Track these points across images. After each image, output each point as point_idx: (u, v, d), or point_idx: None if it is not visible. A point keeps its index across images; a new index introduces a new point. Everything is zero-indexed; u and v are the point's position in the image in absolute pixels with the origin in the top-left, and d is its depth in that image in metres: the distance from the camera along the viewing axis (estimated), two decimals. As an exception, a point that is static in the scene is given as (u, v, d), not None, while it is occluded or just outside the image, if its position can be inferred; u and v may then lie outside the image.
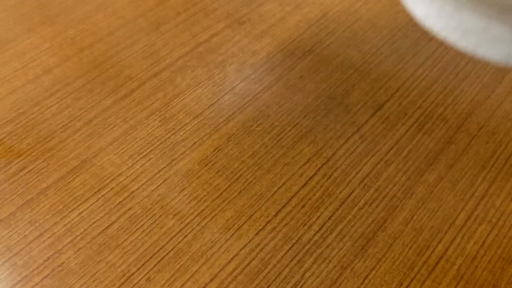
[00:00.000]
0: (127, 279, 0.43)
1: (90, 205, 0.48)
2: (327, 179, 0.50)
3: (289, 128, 0.54)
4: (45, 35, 0.66)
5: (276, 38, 0.65)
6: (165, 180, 0.50)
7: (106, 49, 0.64)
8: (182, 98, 0.57)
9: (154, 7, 0.70)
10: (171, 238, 0.45)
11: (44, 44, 0.65)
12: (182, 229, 0.46)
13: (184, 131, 0.54)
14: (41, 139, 0.54)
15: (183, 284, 0.42)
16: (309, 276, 0.43)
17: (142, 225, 0.46)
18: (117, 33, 0.66)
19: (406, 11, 0.68)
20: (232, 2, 0.70)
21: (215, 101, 0.57)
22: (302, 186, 0.49)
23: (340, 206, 0.48)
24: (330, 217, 0.47)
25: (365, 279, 0.43)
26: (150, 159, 0.52)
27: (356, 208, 0.47)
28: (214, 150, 0.52)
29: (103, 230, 0.46)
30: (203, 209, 0.48)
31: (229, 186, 0.49)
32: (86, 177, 0.50)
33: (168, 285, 0.42)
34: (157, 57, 0.62)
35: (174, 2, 0.70)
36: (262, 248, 0.45)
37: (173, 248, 0.45)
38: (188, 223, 0.46)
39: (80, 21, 0.68)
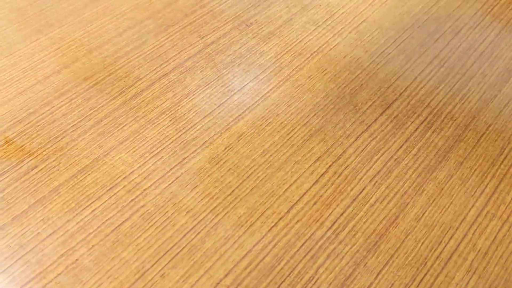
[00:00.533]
0: (141, 276, 0.43)
1: (103, 203, 0.48)
2: (338, 177, 0.50)
3: (298, 127, 0.55)
4: (53, 36, 0.66)
5: (283, 39, 0.65)
6: (177, 178, 0.50)
7: (114, 50, 0.64)
8: (191, 97, 0.58)
9: (161, 9, 0.70)
10: (184, 235, 0.46)
11: (52, 46, 0.65)
12: (195, 226, 0.46)
13: (194, 130, 0.54)
14: (52, 138, 0.54)
15: (197, 280, 0.43)
16: (323, 272, 0.43)
17: (155, 222, 0.47)
18: (125, 35, 0.66)
19: (412, 13, 0.68)
20: (239, 4, 0.71)
21: (225, 101, 0.58)
22: (313, 184, 0.49)
23: (352, 203, 0.48)
24: (342, 213, 0.47)
25: (378, 274, 0.43)
26: (162, 157, 0.52)
27: (367, 205, 0.48)
28: (225, 148, 0.53)
29: (116, 227, 0.46)
30: (215, 206, 0.48)
31: (240, 183, 0.50)
32: (98, 175, 0.50)
33: (183, 281, 0.43)
34: (166, 58, 0.63)
35: (181, 4, 0.71)
36: (275, 244, 0.45)
37: (186, 244, 0.45)
38: (201, 220, 0.47)
39: (88, 23, 0.68)
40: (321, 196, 0.48)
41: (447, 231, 0.45)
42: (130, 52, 0.64)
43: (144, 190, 0.49)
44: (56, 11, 0.70)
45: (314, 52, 0.63)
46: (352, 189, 0.49)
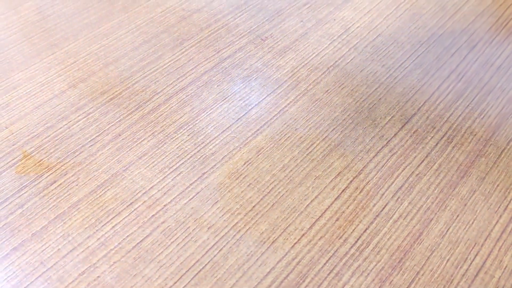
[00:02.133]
0: (164, 293, 0.42)
1: (123, 219, 0.48)
2: (360, 192, 0.50)
3: (318, 142, 0.54)
4: (69, 50, 0.66)
5: (299, 53, 0.65)
6: (197, 193, 0.50)
7: (131, 64, 0.64)
8: (209, 112, 0.58)
9: (176, 23, 0.70)
10: (207, 251, 0.45)
11: (68, 60, 0.65)
12: (217, 242, 0.46)
13: (213, 144, 0.54)
14: (70, 153, 0.54)
15: (221, 298, 0.42)
16: (348, 289, 0.43)
17: (176, 239, 0.46)
18: (141, 49, 0.66)
19: (427, 27, 0.68)
20: (254, 18, 0.71)
21: (243, 115, 0.57)
22: (335, 199, 0.49)
23: (375, 219, 0.47)
24: (365, 230, 0.47)
25: (404, 292, 0.42)
26: (181, 172, 0.51)
27: (391, 221, 0.47)
28: (244, 163, 0.52)
29: (138, 243, 0.46)
30: (237, 222, 0.47)
31: (261, 199, 0.49)
32: (118, 190, 0.50)
33: (207, 299, 0.42)
34: (182, 72, 0.63)
35: (195, 19, 0.71)
36: (299, 262, 0.44)
37: (209, 261, 0.44)
38: (223, 236, 0.46)
39: (103, 37, 0.68)
40: (343, 212, 0.48)
41: (472, 248, 0.45)
42: (146, 66, 0.64)
43: (165, 205, 0.49)
44: (71, 25, 0.70)
45: (330, 66, 0.63)
46: (374, 205, 0.48)
